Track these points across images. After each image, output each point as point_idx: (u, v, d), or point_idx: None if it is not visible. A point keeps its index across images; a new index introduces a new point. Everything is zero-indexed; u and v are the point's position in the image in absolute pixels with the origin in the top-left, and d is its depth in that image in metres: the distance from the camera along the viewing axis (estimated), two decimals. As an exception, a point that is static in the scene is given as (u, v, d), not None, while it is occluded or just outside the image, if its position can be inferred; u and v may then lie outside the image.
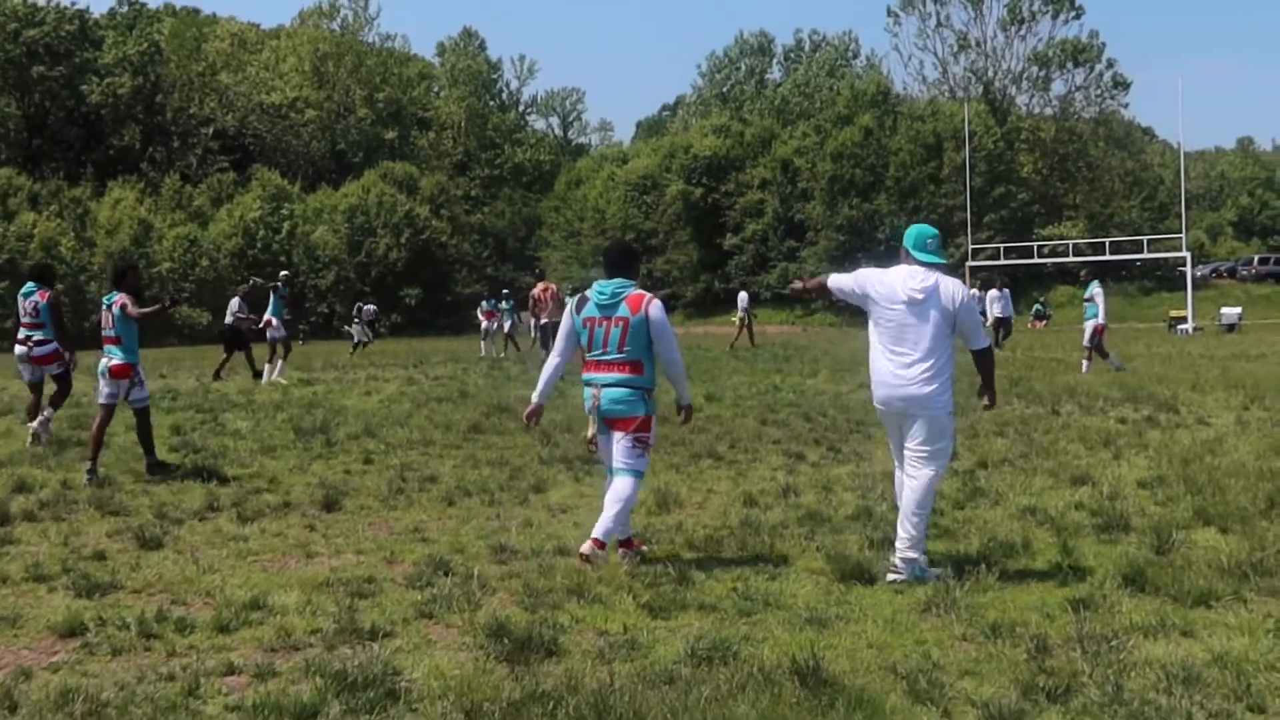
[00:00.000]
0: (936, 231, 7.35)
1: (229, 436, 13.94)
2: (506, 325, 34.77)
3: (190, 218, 68.78)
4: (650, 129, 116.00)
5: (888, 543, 7.57)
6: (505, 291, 39.63)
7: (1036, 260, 57.97)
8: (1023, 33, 70.30)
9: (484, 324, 34.20)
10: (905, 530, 6.99)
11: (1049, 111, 70.63)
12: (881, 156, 63.54)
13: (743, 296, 38.94)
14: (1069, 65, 68.91)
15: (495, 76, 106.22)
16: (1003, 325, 31.39)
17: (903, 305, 6.96)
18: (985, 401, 7.42)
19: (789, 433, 13.65)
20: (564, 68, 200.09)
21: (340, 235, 68.61)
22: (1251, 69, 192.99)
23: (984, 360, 7.22)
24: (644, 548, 7.68)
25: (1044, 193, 66.16)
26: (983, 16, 71.46)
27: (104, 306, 11.43)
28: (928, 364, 6.89)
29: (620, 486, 7.36)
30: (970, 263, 54.17)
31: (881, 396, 7.14)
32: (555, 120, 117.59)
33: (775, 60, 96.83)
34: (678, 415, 8.07)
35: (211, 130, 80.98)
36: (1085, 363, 22.28)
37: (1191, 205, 54.24)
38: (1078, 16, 69.60)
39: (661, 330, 7.44)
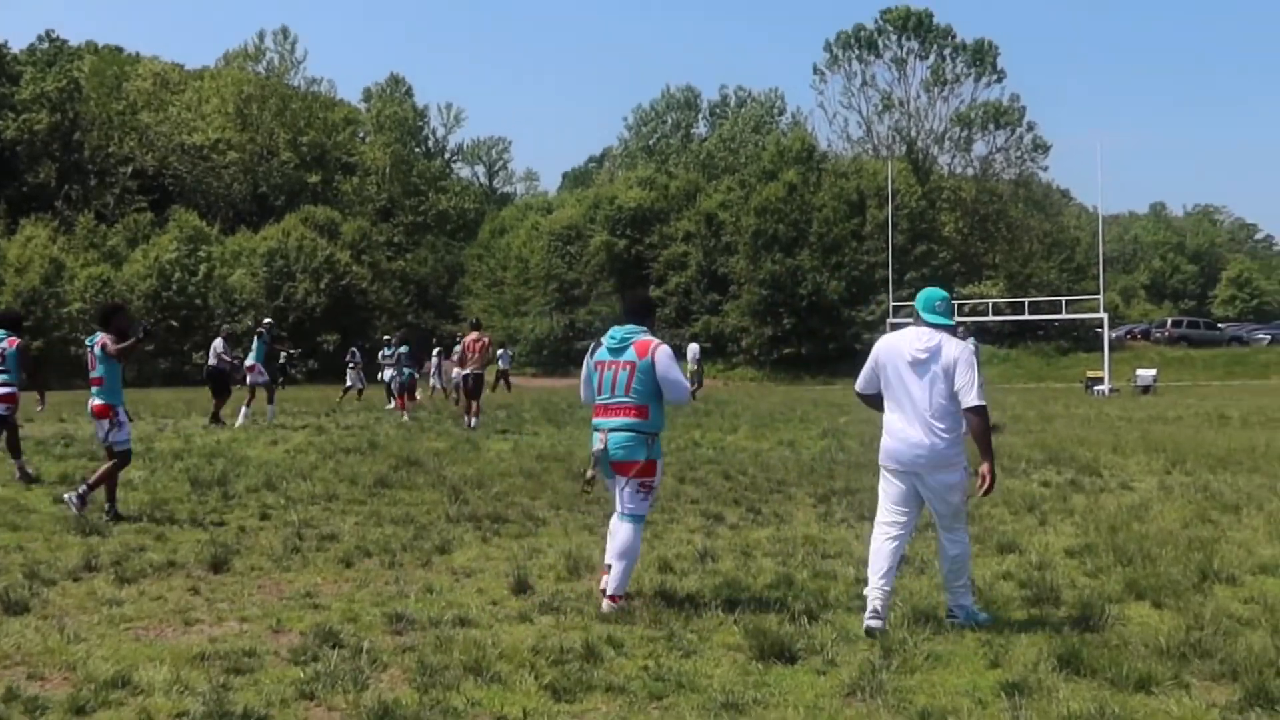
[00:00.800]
0: (945, 295, 7.49)
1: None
2: (387, 374, 31.91)
3: (104, 258, 67.30)
4: (577, 180, 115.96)
5: (808, 615, 7.19)
6: (388, 339, 37.04)
7: (957, 319, 58.24)
8: (945, 94, 71.23)
9: (385, 373, 32.05)
10: (951, 580, 7.32)
11: (970, 172, 71.47)
12: (805, 212, 63.74)
13: (693, 348, 38.97)
14: (990, 127, 69.81)
15: (421, 123, 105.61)
16: None
17: (907, 365, 7.13)
18: (984, 465, 7.07)
19: (707, 492, 13.24)
20: (491, 117, 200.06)
21: (258, 279, 67.44)
22: (1163, 137, 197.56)
23: (978, 419, 7.03)
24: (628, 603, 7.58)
25: (964, 252, 66.76)
26: (907, 77, 72.34)
27: (88, 348, 11.54)
28: (933, 423, 7.03)
29: (622, 536, 7.56)
30: (892, 319, 54.33)
31: (888, 454, 7.28)
32: (481, 169, 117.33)
33: (701, 115, 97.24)
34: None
35: (130, 169, 79.57)
36: None
37: (1107, 268, 54.81)
38: (999, 80, 70.64)
39: (665, 374, 7.58)
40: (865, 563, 7.87)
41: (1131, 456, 17.33)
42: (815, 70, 74.29)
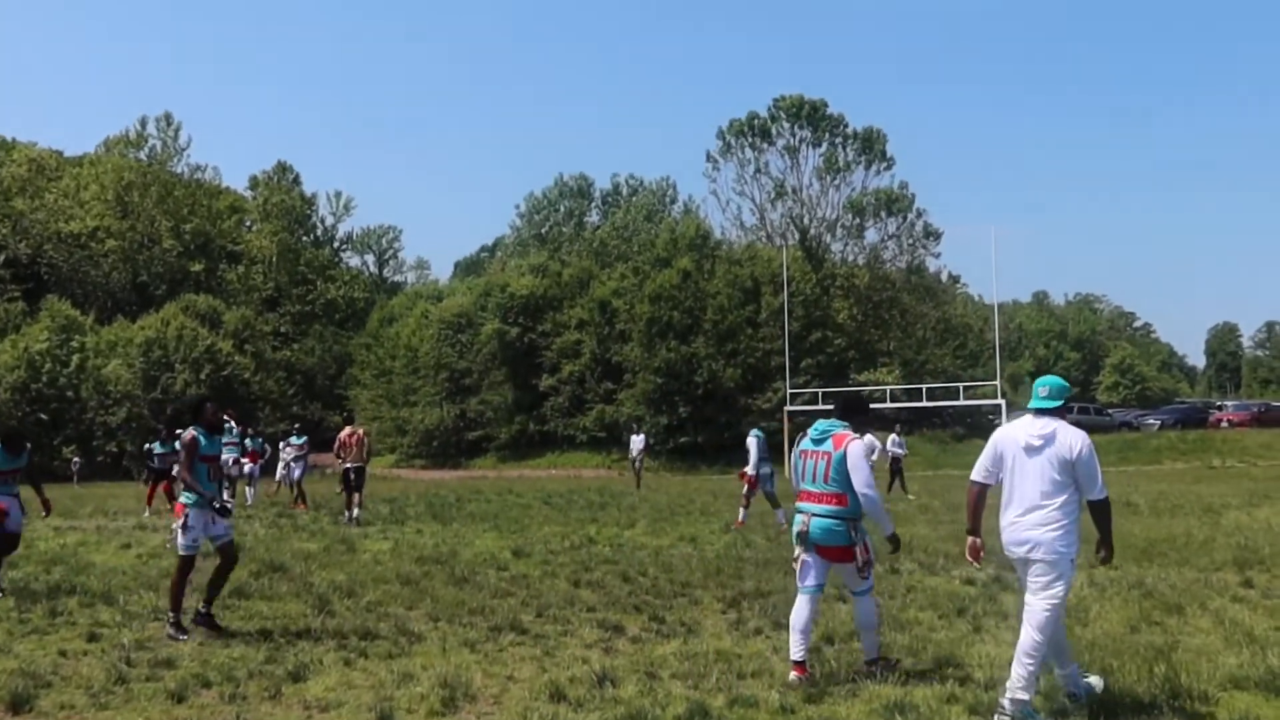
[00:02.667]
0: (1057, 381, 7.53)
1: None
2: (296, 472, 30.55)
3: (-29, 348, 64.49)
4: (469, 268, 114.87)
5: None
6: (296, 428, 35.70)
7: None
8: (837, 182, 71.45)
9: (248, 466, 30.34)
10: (1018, 670, 7.09)
11: (862, 259, 71.60)
12: (700, 299, 63.10)
13: (638, 440, 38.11)
14: (881, 214, 70.10)
15: (309, 211, 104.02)
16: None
17: (1021, 451, 7.25)
18: (1102, 555, 7.52)
19: (605, 597, 11.95)
20: (382, 205, 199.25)
21: (135, 370, 65.01)
22: (1044, 227, 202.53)
23: (1101, 511, 7.27)
24: (894, 661, 8.45)
25: (859, 339, 66.55)
26: (799, 165, 72.49)
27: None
28: (1045, 509, 7.13)
29: (862, 611, 8.29)
30: (788, 407, 53.66)
31: (1005, 541, 7.36)
32: (371, 257, 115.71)
33: (594, 204, 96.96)
34: (888, 547, 8.42)
35: (2, 258, 76.77)
36: (741, 510, 21.13)
37: (996, 355, 54.78)
38: (889, 168, 71.08)
39: (855, 465, 7.98)
40: (789, 683, 6.76)
41: (1051, 549, 16.36)
42: (708, 157, 74.27)
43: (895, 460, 31.58)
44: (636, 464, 38.08)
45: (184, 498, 10.05)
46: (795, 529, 8.22)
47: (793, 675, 7.93)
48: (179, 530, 9.97)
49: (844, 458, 8.00)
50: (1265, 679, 7.94)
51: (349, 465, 22.25)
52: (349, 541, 17.07)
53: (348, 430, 22.82)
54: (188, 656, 8.90)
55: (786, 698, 7.46)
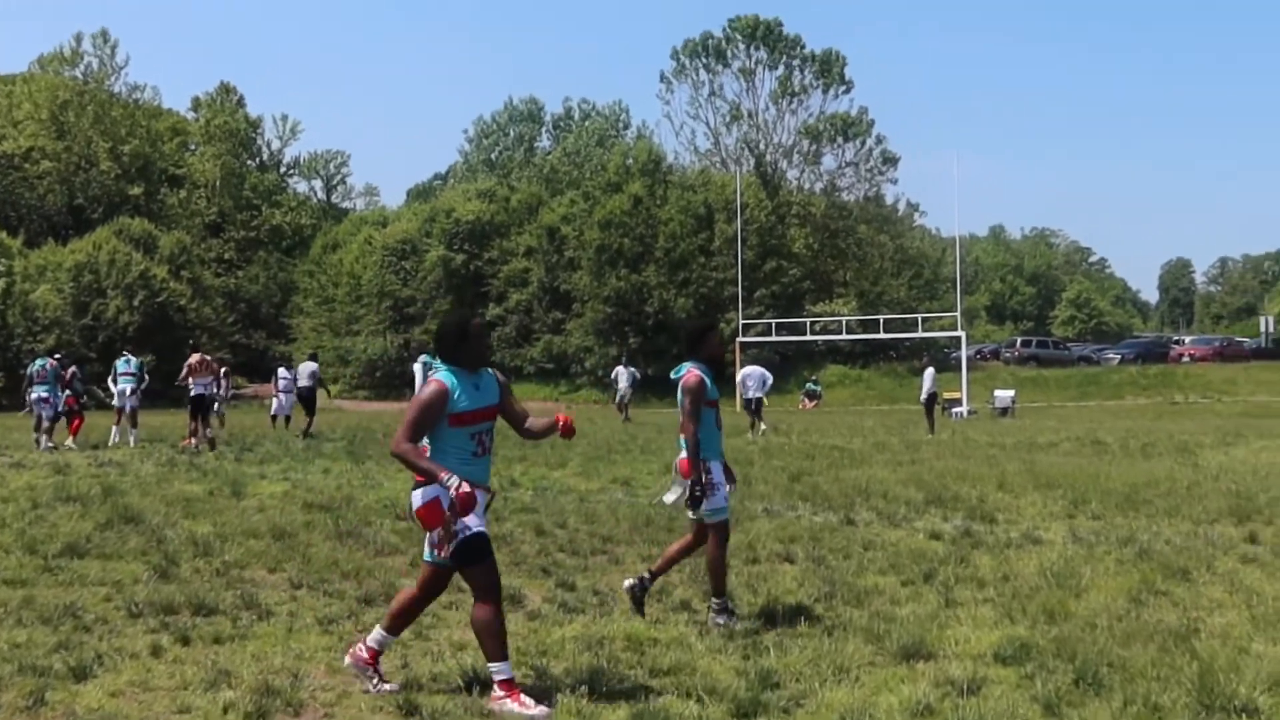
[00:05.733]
0: None
1: None
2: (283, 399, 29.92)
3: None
4: (421, 195, 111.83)
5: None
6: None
7: (808, 337, 56.19)
8: (794, 105, 69.26)
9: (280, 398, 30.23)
10: None
11: (819, 187, 69.68)
12: (651, 226, 61.03)
13: (624, 374, 36.53)
14: (839, 140, 68.07)
15: (255, 135, 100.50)
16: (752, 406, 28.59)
17: None
18: None
19: (511, 556, 10.12)
20: (331, 130, 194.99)
21: (64, 296, 62.30)
22: (1002, 162, 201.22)
23: None
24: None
25: (815, 269, 64.72)
26: (755, 88, 70.19)
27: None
28: None
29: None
30: (741, 338, 51.92)
31: None
32: (319, 183, 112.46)
33: (545, 128, 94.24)
34: None
35: (-71, 179, 73.66)
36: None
37: (953, 288, 53.13)
38: (848, 91, 68.92)
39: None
40: (716, 691, 5.05)
41: (1023, 495, 14.72)
42: (662, 79, 71.80)
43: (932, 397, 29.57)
44: (624, 400, 36.35)
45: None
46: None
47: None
48: None
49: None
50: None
51: (200, 391, 23.00)
52: (239, 484, 15.13)
53: (197, 356, 23.65)
54: (-46, 642, 7.00)
55: (706, 710, 5.67)
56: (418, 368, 35.23)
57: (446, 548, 5.95)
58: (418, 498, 6.01)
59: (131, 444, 23.43)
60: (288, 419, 30.21)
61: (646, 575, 8.04)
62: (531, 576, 9.32)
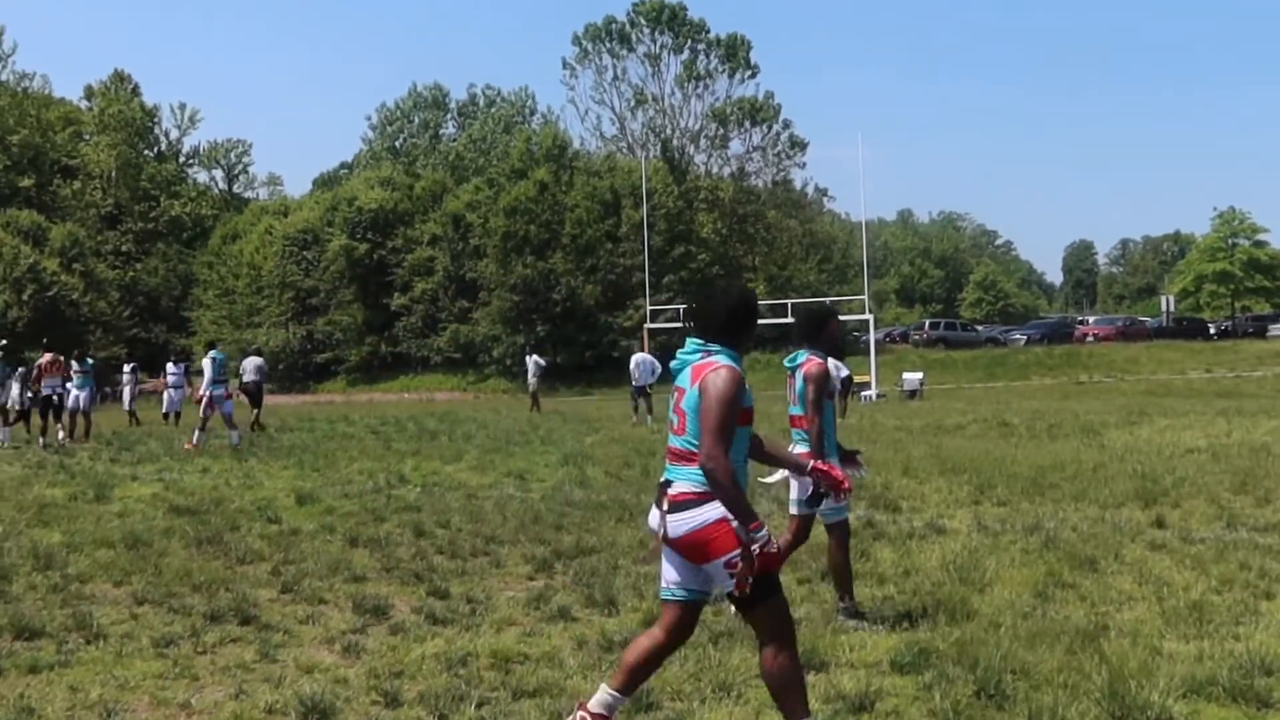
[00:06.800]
0: None
1: None
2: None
3: None
4: (327, 184, 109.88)
5: None
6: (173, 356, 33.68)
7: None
8: (700, 90, 68.87)
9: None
10: None
11: (727, 171, 69.33)
12: (557, 213, 60.27)
13: (534, 363, 35.73)
14: (746, 124, 67.75)
15: (152, 124, 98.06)
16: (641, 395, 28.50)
17: None
18: None
19: (384, 560, 9.45)
20: (233, 119, 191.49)
21: (-50, 290, 60.32)
22: (910, 147, 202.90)
23: None
24: None
25: (723, 254, 64.37)
26: (660, 73, 69.72)
27: (787, 373, 7.65)
28: None
29: None
30: (649, 325, 51.38)
31: None
32: (219, 173, 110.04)
33: (450, 116, 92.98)
34: None
35: None
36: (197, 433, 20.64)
37: (861, 272, 52.94)
38: (753, 75, 68.72)
39: None
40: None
41: (929, 481, 14.29)
42: (565, 64, 71.12)
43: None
44: (533, 388, 35.63)
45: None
46: None
47: None
48: None
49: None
50: (1235, 680, 5.75)
51: (50, 391, 22.88)
52: (106, 486, 14.26)
53: (49, 356, 23.32)
54: None
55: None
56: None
57: (745, 583, 4.68)
58: (692, 520, 4.74)
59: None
60: (178, 415, 29.13)
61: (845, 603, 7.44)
62: (403, 583, 8.64)
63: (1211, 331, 67.10)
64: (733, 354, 4.88)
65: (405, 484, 14.89)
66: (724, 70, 68.48)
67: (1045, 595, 7.84)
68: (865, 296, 49.13)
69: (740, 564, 4.64)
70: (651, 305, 52.74)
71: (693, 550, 4.76)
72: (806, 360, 7.37)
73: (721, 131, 68.34)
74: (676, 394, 4.92)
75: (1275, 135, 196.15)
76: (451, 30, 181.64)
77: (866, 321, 48.46)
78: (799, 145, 68.62)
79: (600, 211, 60.69)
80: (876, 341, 50.49)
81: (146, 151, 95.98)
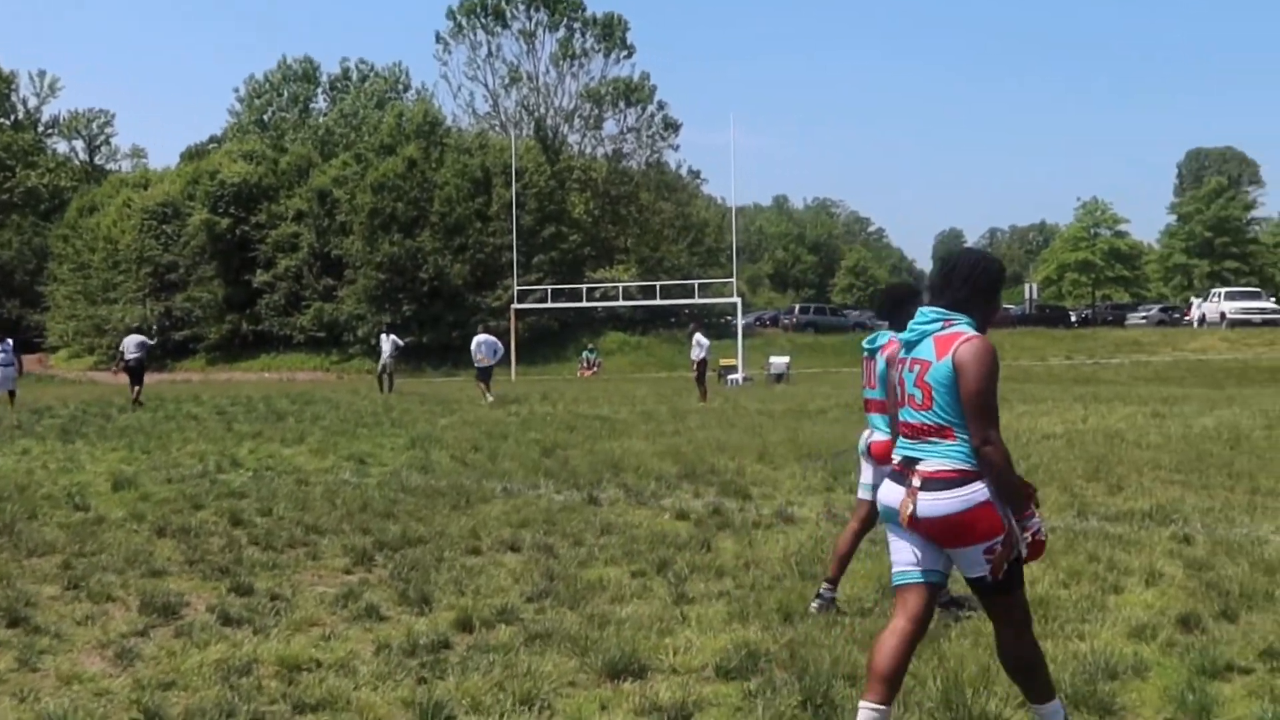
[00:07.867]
0: None
1: None
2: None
3: None
4: (194, 158, 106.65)
5: None
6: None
7: (587, 304, 55.18)
8: (575, 69, 68.10)
9: None
10: None
11: (601, 152, 68.73)
12: (426, 190, 59.02)
13: (387, 342, 34.35)
14: (621, 104, 67.19)
15: (8, 91, 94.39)
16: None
17: None
18: None
19: (189, 552, 8.74)
20: (97, 88, 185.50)
21: None
22: (785, 134, 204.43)
23: None
24: None
25: (595, 235, 63.78)
26: (535, 50, 68.78)
27: (865, 355, 7.20)
28: None
29: None
30: (517, 305, 50.64)
31: None
32: (80, 144, 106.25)
33: (321, 90, 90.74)
34: None
35: None
36: None
37: (733, 256, 52.81)
38: (629, 56, 68.13)
39: None
40: None
41: (783, 467, 13.95)
42: (438, 39, 69.75)
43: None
44: (387, 369, 34.30)
45: None
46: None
47: None
48: None
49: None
50: (1078, 686, 5.39)
51: None
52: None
53: None
54: None
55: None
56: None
57: (1001, 569, 4.44)
58: (954, 500, 4.39)
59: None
60: (12, 395, 27.77)
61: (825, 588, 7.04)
62: (205, 578, 7.95)
63: (1073, 319, 68.45)
64: (972, 323, 4.57)
65: (237, 468, 14.13)
66: (600, 50, 67.82)
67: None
68: (735, 280, 48.96)
69: (1000, 549, 4.41)
70: (520, 285, 51.98)
71: (949, 532, 4.45)
72: (890, 342, 6.73)
73: (596, 112, 67.70)
74: (917, 366, 4.61)
75: (1137, 126, 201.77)
76: (325, 1, 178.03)
77: (735, 305, 48.29)
78: (672, 127, 68.28)
79: (470, 190, 59.61)
80: (746, 325, 50.38)
81: (2, 120, 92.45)
